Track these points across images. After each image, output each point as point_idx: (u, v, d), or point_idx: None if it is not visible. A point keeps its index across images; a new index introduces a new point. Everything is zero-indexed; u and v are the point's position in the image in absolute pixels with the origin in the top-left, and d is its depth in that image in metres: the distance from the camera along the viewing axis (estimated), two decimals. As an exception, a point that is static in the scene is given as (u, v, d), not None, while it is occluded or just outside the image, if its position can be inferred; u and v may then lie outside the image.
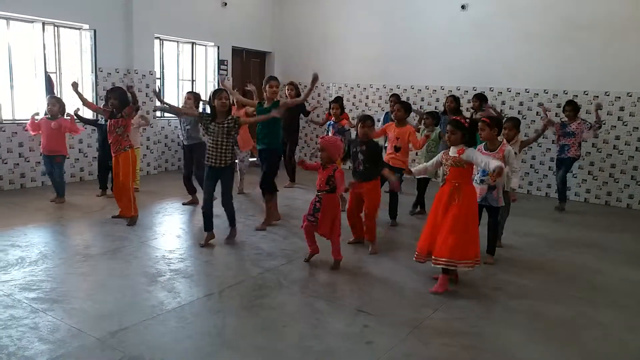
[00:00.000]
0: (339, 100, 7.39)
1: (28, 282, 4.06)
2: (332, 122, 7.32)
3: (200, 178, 6.78)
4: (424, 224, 4.52)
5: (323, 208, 4.59)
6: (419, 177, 6.89)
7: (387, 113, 7.76)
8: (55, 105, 6.63)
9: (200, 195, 6.86)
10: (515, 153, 5.25)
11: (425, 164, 4.82)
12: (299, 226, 5.93)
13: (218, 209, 5.34)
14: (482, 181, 4.80)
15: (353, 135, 6.93)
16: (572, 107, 7.24)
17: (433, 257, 4.20)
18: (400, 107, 6.09)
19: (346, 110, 10.55)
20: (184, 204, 6.88)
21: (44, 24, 7.53)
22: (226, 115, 5.06)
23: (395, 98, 7.58)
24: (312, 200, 4.70)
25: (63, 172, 6.85)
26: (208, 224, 5.23)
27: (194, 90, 8.01)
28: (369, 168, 5.08)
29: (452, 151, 4.27)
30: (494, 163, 4.06)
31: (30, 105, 7.60)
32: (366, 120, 5.15)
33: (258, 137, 5.84)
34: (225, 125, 5.00)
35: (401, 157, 6.05)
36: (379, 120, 8.53)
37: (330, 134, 7.18)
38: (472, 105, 7.81)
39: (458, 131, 4.19)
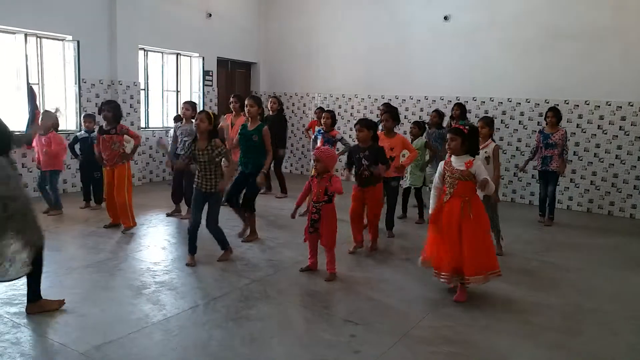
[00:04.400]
0: (331, 112, 7.34)
1: (9, 297, 3.98)
2: (322, 131, 7.11)
3: (189, 196, 6.51)
4: (421, 235, 4.51)
5: (323, 219, 4.54)
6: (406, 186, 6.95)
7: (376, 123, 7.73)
8: (49, 121, 6.47)
9: (182, 205, 6.87)
10: (488, 157, 5.23)
11: (437, 181, 4.36)
12: (285, 237, 5.97)
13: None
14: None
15: (342, 144, 6.98)
16: (553, 114, 6.98)
17: (466, 277, 4.10)
18: (388, 116, 5.93)
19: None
20: (167, 214, 6.82)
21: (26, 35, 7.46)
22: (208, 137, 4.80)
23: (385, 107, 7.53)
24: (309, 212, 4.66)
25: (55, 186, 6.73)
26: (192, 247, 5.00)
27: (190, 100, 7.59)
28: (372, 173, 5.12)
29: (457, 163, 4.15)
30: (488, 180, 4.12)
31: (12, 117, 7.51)
32: (357, 124, 5.20)
33: (241, 161, 5.69)
34: (208, 152, 4.78)
35: (395, 167, 5.84)
36: None
37: (319, 143, 7.03)
38: (452, 113, 7.87)
39: (457, 137, 4.12)
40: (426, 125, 7.58)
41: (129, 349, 3.27)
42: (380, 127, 6.35)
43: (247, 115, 5.66)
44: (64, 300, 3.86)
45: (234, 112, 7.25)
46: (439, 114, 7.57)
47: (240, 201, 5.79)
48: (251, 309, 3.95)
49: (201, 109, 10.34)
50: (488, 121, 5.58)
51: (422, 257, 4.46)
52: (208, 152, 4.78)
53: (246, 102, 5.65)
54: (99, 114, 6.01)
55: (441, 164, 4.34)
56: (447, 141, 4.22)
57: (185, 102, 6.84)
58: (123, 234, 5.88)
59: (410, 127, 7.02)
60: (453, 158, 4.20)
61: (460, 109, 7.75)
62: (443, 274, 4.20)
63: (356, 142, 5.41)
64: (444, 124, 7.86)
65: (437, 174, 4.35)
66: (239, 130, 5.74)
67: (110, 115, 5.76)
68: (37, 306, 3.71)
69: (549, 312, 4.14)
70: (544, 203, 7.30)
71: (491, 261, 4.23)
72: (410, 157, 5.99)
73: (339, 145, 7.00)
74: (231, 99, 7.28)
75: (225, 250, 5.17)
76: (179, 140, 6.66)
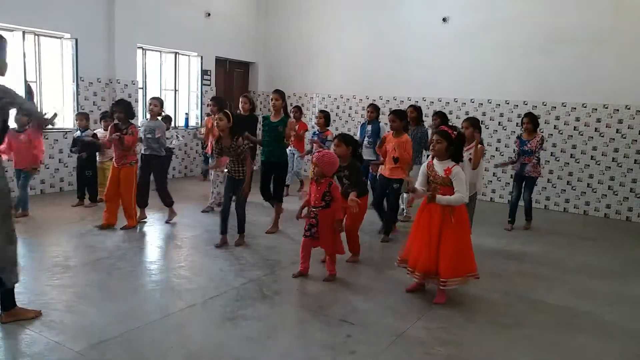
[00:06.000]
0: (325, 112, 7.37)
1: (5, 295, 3.98)
2: (317, 132, 7.27)
3: (162, 193, 6.38)
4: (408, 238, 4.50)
5: (321, 224, 4.48)
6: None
7: (363, 124, 7.64)
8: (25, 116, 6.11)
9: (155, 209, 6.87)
10: (470, 159, 5.16)
11: (419, 182, 4.36)
12: (282, 237, 5.97)
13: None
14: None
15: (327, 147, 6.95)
16: (529, 120, 6.72)
17: (441, 279, 4.11)
18: (394, 117, 5.79)
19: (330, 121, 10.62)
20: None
21: (24, 32, 7.44)
22: (230, 135, 5.31)
23: (372, 108, 7.36)
24: (307, 216, 4.60)
25: (28, 185, 6.48)
26: (223, 228, 5.49)
27: (158, 96, 7.28)
28: (354, 188, 4.93)
29: (439, 168, 4.14)
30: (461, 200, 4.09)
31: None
32: (335, 138, 5.07)
33: (265, 150, 6.13)
34: (234, 149, 5.34)
35: (401, 168, 5.78)
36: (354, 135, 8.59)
37: (315, 145, 7.21)
38: (432, 123, 7.15)
39: (444, 141, 4.09)
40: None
41: (125, 348, 3.26)
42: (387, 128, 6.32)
43: (272, 108, 6.08)
44: (40, 311, 3.69)
45: (213, 115, 6.99)
46: (416, 109, 7.02)
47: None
48: (248, 308, 3.95)
49: (206, 109, 10.37)
50: (473, 122, 5.55)
51: (399, 256, 4.49)
52: (234, 149, 5.33)
53: (272, 96, 6.10)
54: (111, 115, 6.07)
55: (424, 164, 4.31)
56: (432, 142, 4.20)
57: (153, 98, 6.43)
58: (121, 230, 5.92)
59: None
60: (435, 161, 4.19)
61: (440, 119, 6.94)
62: (417, 273, 4.22)
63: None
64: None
65: (420, 174, 4.33)
66: (263, 122, 6.18)
67: (122, 116, 5.84)
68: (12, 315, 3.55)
69: (544, 314, 4.16)
70: (515, 208, 6.97)
71: (470, 263, 4.22)
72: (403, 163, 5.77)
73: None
74: (209, 102, 7.23)
75: (240, 236, 5.59)
76: (142, 138, 6.22)
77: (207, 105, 7.15)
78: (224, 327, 3.64)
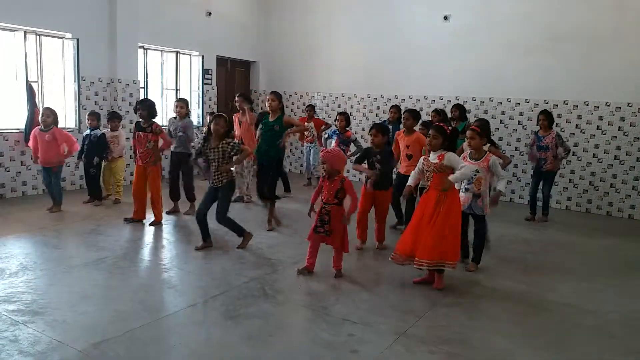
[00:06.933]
0: (345, 114, 7.54)
1: (8, 294, 3.99)
2: (337, 132, 7.41)
3: (188, 186, 6.80)
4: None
5: (333, 221, 4.54)
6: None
7: (384, 122, 7.72)
8: (50, 116, 6.55)
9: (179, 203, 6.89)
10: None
11: (413, 173, 4.74)
12: (284, 235, 5.97)
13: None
14: (467, 190, 4.84)
15: (355, 146, 7.27)
16: (545, 117, 7.05)
17: (416, 259, 4.30)
18: (408, 115, 6.03)
19: (330, 119, 10.66)
20: (167, 212, 6.78)
21: (25, 32, 7.44)
22: (221, 138, 5.17)
23: (395, 109, 7.64)
24: (318, 212, 4.64)
25: (60, 181, 6.87)
26: (204, 234, 5.35)
27: (183, 97, 7.95)
28: (385, 176, 5.31)
29: (433, 157, 4.40)
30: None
31: (10, 114, 7.51)
32: (372, 128, 5.35)
33: (260, 150, 6.17)
34: (221, 148, 5.13)
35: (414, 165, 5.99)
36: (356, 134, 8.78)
37: (333, 144, 7.31)
38: (451, 115, 7.73)
39: (440, 136, 4.34)
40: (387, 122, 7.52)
41: (127, 347, 3.27)
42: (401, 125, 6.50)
43: (268, 108, 6.21)
44: None
45: (241, 111, 7.43)
46: (438, 112, 7.27)
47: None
48: (249, 307, 3.95)
49: (207, 108, 10.37)
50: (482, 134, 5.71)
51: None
52: (221, 149, 5.12)
53: (268, 97, 6.22)
54: (135, 113, 6.26)
55: (421, 159, 4.58)
56: (429, 137, 4.43)
57: (178, 100, 6.92)
58: (150, 225, 6.17)
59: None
60: (431, 154, 4.45)
61: (459, 110, 7.63)
62: (394, 254, 4.49)
63: (369, 145, 5.49)
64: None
65: (416, 169, 4.62)
66: (262, 122, 6.29)
67: (145, 113, 6.02)
68: None
69: (546, 313, 4.15)
70: (534, 200, 7.38)
71: (449, 252, 4.30)
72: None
73: (352, 146, 7.15)
74: (237, 99, 7.43)
75: (244, 238, 5.43)
76: (175, 135, 6.71)
77: (235, 101, 7.42)
78: (226, 325, 3.64)
